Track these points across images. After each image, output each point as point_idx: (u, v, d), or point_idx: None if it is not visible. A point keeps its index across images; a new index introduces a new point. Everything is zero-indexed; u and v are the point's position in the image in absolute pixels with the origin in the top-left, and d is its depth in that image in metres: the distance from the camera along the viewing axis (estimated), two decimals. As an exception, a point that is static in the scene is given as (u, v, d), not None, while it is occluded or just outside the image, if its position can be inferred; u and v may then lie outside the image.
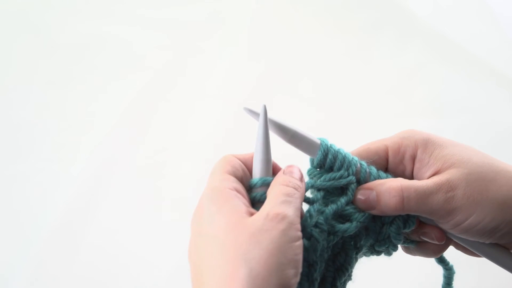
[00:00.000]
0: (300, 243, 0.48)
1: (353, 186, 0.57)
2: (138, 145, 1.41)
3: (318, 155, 0.57)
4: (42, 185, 1.33)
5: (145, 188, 1.33)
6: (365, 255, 0.61)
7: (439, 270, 0.65)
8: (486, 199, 0.53)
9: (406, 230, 0.58)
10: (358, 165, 0.57)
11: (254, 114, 0.57)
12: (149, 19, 1.67)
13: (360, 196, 0.56)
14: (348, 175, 0.57)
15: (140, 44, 1.61)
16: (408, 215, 0.57)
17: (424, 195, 0.54)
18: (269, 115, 0.56)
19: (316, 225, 0.53)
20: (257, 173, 0.55)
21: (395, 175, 0.59)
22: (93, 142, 1.40)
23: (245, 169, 0.56)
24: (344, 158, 0.57)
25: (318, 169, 0.58)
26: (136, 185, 1.34)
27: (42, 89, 1.50)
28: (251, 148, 1.58)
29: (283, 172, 0.54)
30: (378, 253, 0.60)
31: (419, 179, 0.57)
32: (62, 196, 1.31)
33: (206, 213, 0.51)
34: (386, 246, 0.59)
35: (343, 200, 0.56)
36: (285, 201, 0.50)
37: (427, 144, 0.56)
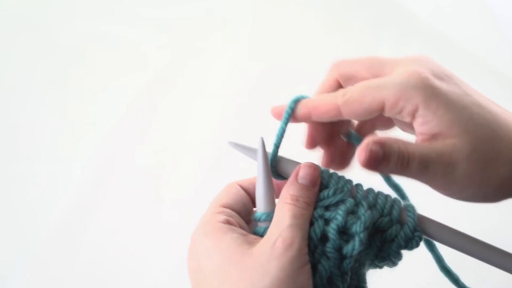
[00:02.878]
0: (308, 266, 0.47)
1: (350, 200, 0.53)
2: (138, 145, 1.41)
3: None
4: (42, 185, 1.33)
5: (145, 188, 1.33)
6: (369, 267, 0.59)
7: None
8: (484, 179, 0.50)
9: (408, 250, 0.56)
10: (353, 185, 0.55)
11: (240, 147, 0.55)
12: (149, 19, 1.67)
13: (364, 151, 0.50)
14: (343, 191, 0.54)
15: (140, 44, 1.61)
16: (413, 233, 0.54)
17: (427, 160, 0.50)
18: (243, 144, 0.55)
19: (324, 253, 0.51)
20: (260, 208, 0.53)
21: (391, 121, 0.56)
22: (93, 142, 1.40)
23: (247, 199, 0.55)
24: (339, 178, 0.55)
25: None
26: (136, 185, 1.34)
27: (42, 89, 1.50)
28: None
29: (295, 178, 0.52)
30: (379, 267, 0.58)
31: (420, 131, 0.52)
32: (62, 196, 1.31)
33: (201, 248, 0.49)
34: (386, 262, 0.56)
35: (341, 211, 0.52)
36: (292, 224, 0.48)
37: (430, 101, 0.49)
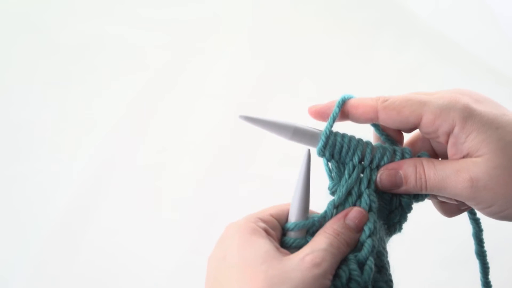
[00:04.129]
0: None
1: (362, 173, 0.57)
2: (138, 145, 1.41)
3: (320, 143, 0.56)
4: (42, 185, 1.33)
5: (145, 188, 1.33)
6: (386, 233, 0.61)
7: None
8: (509, 193, 0.52)
9: (416, 202, 0.59)
10: (364, 146, 0.57)
11: (253, 120, 0.55)
12: (149, 19, 1.67)
13: (385, 177, 0.56)
14: (354, 166, 0.56)
15: (140, 44, 1.61)
16: None
17: (443, 180, 0.54)
18: (263, 117, 0.55)
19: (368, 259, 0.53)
20: (292, 218, 0.54)
21: (425, 138, 0.59)
22: (93, 142, 1.40)
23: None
24: (350, 142, 0.56)
25: (325, 158, 0.57)
26: (136, 185, 1.34)
27: (42, 89, 1.50)
28: (250, 148, 1.58)
29: (344, 217, 0.54)
30: (392, 229, 0.59)
31: (451, 153, 0.56)
32: (62, 196, 1.31)
33: (234, 241, 0.51)
34: (398, 216, 0.58)
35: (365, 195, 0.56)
36: (327, 249, 0.50)
37: (466, 123, 0.53)
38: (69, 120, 1.45)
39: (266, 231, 0.52)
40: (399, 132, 0.60)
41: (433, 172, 0.54)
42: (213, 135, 1.42)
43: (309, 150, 0.55)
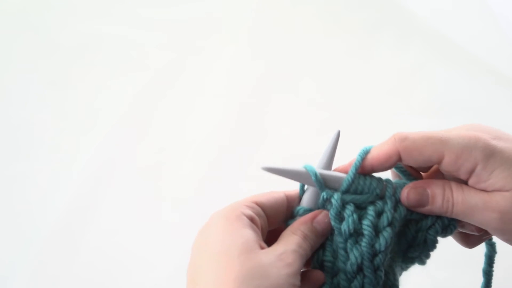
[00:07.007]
0: None
1: (379, 203, 0.56)
2: (138, 145, 1.41)
3: (341, 190, 0.56)
4: (42, 185, 1.33)
5: (145, 188, 1.33)
6: (402, 268, 0.60)
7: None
8: None
9: (443, 237, 0.58)
10: (384, 186, 0.56)
11: (274, 170, 0.56)
12: (148, 19, 1.67)
13: (413, 193, 0.56)
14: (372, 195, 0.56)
15: (140, 44, 1.61)
16: (449, 222, 0.57)
17: (470, 208, 0.54)
18: (284, 166, 0.56)
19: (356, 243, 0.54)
20: (304, 203, 0.56)
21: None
22: (93, 142, 1.40)
23: (284, 207, 0.56)
24: (370, 185, 0.56)
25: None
26: (136, 185, 1.34)
27: (42, 89, 1.50)
28: (251, 148, 1.58)
29: (311, 219, 0.55)
30: (411, 261, 0.59)
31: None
32: (62, 196, 1.31)
33: (216, 228, 0.51)
34: (419, 252, 0.58)
35: (371, 211, 0.55)
36: (296, 251, 0.51)
37: (488, 161, 0.53)
38: (69, 120, 1.45)
39: (251, 218, 0.52)
40: (416, 171, 0.60)
41: (461, 198, 0.54)
42: (213, 135, 1.42)
43: (339, 131, 0.56)
